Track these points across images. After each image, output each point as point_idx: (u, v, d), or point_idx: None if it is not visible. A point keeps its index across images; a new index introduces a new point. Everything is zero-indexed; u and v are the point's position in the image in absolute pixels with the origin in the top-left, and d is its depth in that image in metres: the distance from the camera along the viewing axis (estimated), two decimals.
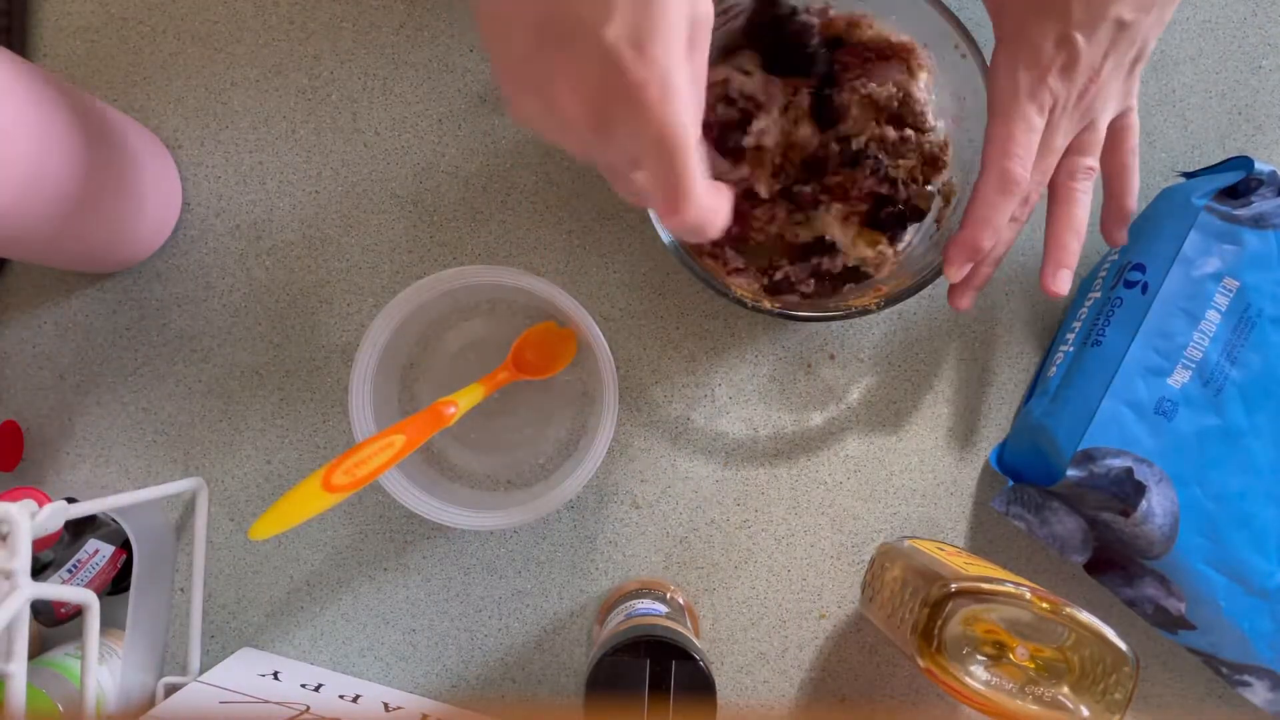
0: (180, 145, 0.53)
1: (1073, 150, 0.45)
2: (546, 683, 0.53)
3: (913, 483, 0.54)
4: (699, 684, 0.40)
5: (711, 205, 0.34)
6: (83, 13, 0.53)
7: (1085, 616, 0.41)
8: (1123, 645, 0.40)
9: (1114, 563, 0.51)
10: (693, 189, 0.33)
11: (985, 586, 0.41)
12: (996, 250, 0.47)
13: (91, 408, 0.52)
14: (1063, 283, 0.46)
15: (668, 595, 0.50)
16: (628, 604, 0.48)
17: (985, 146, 0.44)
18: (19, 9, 0.52)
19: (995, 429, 0.55)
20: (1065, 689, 0.41)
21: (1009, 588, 0.41)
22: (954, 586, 0.41)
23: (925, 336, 0.54)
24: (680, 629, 0.43)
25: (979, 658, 0.41)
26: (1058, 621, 0.41)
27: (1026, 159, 0.43)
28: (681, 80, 0.31)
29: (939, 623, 0.41)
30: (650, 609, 0.46)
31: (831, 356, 0.54)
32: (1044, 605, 0.41)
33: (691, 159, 0.32)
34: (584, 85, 0.31)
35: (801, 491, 0.54)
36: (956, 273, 0.46)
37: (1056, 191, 0.46)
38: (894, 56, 0.50)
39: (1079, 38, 0.41)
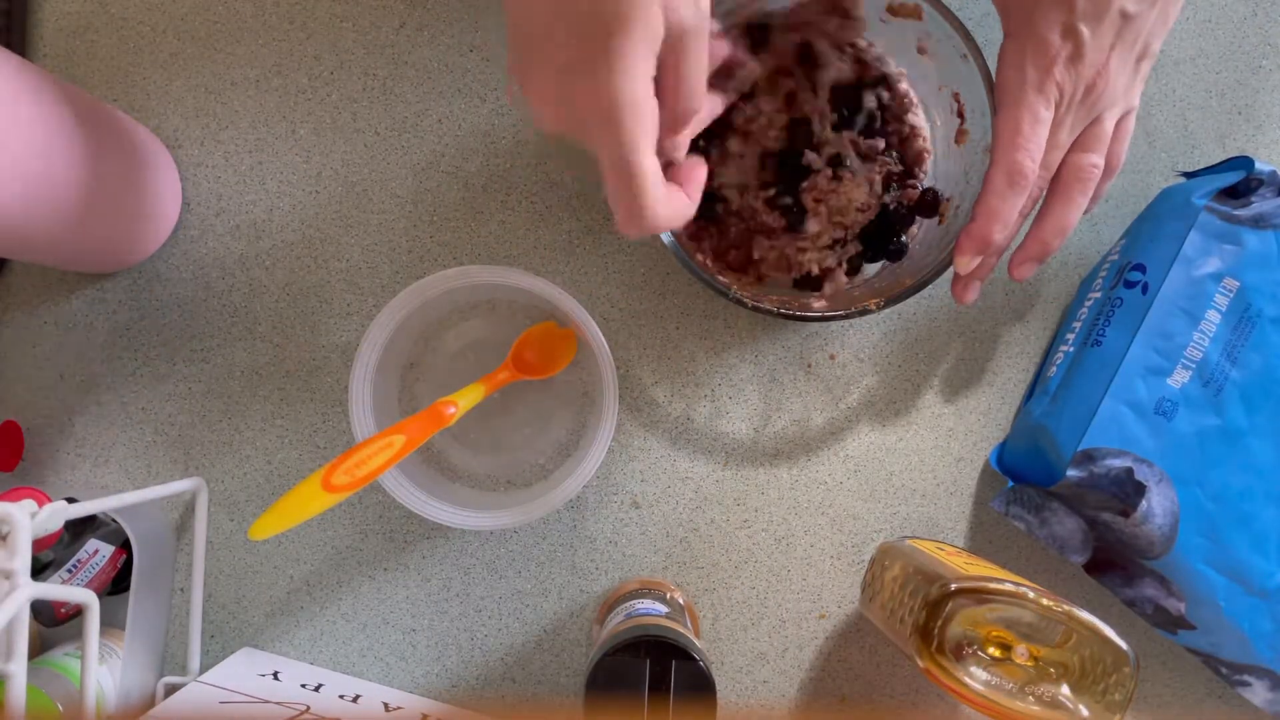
0: (180, 145, 0.53)
1: (1078, 147, 0.45)
2: (546, 683, 0.53)
3: (913, 483, 0.54)
4: (699, 684, 0.40)
5: (669, 215, 0.36)
6: (83, 13, 0.53)
7: (1085, 616, 0.41)
8: (1123, 645, 0.40)
9: (1114, 563, 0.51)
10: (645, 207, 0.35)
11: (985, 586, 0.41)
12: (1003, 242, 0.48)
13: (91, 408, 0.52)
14: (1028, 273, 0.48)
15: (668, 595, 0.50)
16: (628, 604, 0.48)
17: (994, 140, 0.44)
18: (19, 9, 0.52)
19: (995, 429, 0.55)
20: (1065, 689, 0.41)
21: (1009, 587, 0.41)
22: (954, 586, 0.41)
23: (925, 336, 0.54)
24: (680, 629, 0.43)
25: (979, 658, 0.41)
26: (1058, 621, 0.41)
27: (1036, 151, 0.43)
28: (632, 99, 0.33)
29: (939, 623, 0.41)
30: (650, 609, 0.46)
31: (831, 356, 0.54)
32: (1044, 605, 0.41)
33: (644, 181, 0.34)
34: (553, 99, 0.35)
35: (801, 491, 0.54)
36: (967, 264, 0.46)
37: (1055, 188, 0.46)
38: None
39: (1084, 29, 0.41)
